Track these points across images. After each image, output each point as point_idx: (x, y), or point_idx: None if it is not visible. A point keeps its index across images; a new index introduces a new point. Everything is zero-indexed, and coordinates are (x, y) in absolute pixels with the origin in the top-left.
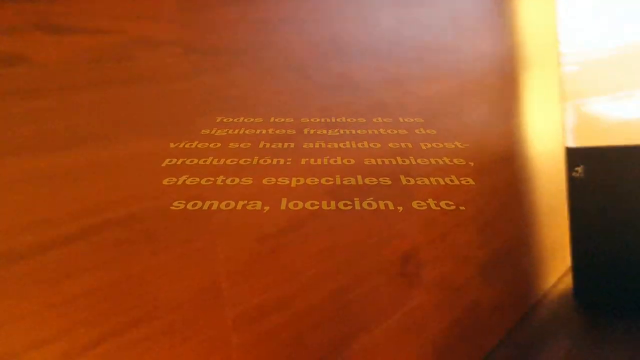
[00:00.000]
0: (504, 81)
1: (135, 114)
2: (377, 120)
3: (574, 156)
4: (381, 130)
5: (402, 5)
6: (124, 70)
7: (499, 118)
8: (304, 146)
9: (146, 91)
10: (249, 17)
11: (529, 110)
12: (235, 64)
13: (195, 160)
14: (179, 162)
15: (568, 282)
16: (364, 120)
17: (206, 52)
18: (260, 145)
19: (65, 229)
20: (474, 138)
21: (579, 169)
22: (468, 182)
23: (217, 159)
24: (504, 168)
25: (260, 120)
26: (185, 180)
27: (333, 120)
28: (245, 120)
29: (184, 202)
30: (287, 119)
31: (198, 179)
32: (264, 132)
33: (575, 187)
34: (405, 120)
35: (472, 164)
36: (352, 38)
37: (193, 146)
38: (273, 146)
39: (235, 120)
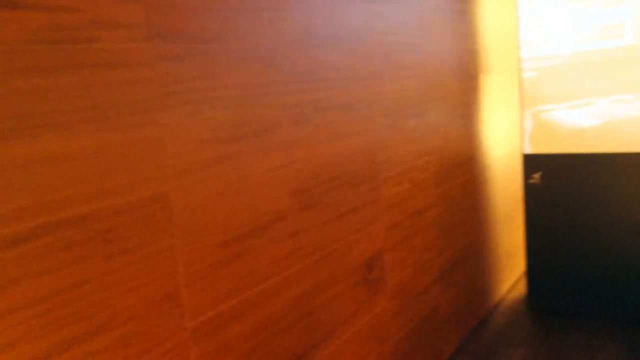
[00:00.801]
0: (465, 84)
1: (93, 102)
2: (343, 118)
3: (531, 163)
4: (347, 129)
5: (372, 1)
6: (81, 53)
7: (459, 121)
8: (269, 143)
9: (105, 78)
10: (217, 3)
11: (489, 115)
12: (201, 53)
13: (156, 156)
14: (138, 157)
15: (522, 287)
16: (331, 118)
17: (171, 38)
18: (224, 142)
19: (13, 228)
20: (436, 141)
21: (536, 175)
22: (430, 185)
23: (178, 156)
24: (464, 172)
25: (225, 114)
26: (145, 177)
27: (300, 117)
28: (210, 114)
29: (143, 201)
30: (253, 114)
31: (159, 176)
32: (228, 127)
33: (531, 193)
34: (371, 119)
35: (434, 166)
36: (322, 31)
37: (154, 140)
38: (238, 143)
39: (199, 113)
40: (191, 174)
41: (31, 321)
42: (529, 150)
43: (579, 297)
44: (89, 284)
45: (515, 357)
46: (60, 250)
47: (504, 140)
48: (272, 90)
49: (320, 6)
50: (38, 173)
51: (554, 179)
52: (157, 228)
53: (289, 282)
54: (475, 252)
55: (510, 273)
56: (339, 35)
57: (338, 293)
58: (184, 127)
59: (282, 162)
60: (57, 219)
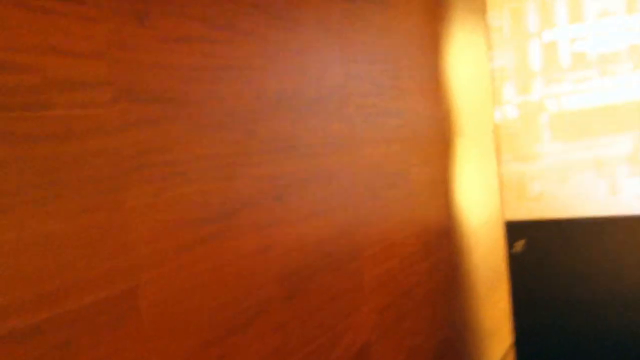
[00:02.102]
0: (441, 148)
1: (45, 181)
2: (324, 191)
3: (514, 230)
4: (328, 203)
5: (351, 60)
6: (36, 121)
7: (439, 188)
8: (248, 223)
9: (59, 151)
10: (190, 61)
11: (467, 180)
12: (173, 118)
13: (121, 245)
14: (100, 248)
15: None
16: (311, 191)
17: (139, 100)
18: (199, 224)
19: None
20: (418, 210)
21: (519, 243)
22: (416, 260)
23: (147, 244)
24: (448, 243)
25: (199, 190)
26: (108, 272)
27: (279, 191)
28: (181, 191)
29: (107, 301)
30: (230, 190)
31: (124, 270)
32: (202, 206)
33: (515, 263)
34: (353, 191)
35: (419, 239)
36: (300, 92)
37: (118, 226)
38: (213, 225)
39: (169, 190)
40: (162, 265)
41: None
42: (511, 217)
43: None
44: None
45: None
46: None
47: (483, 206)
48: (250, 160)
49: (298, 65)
50: None
51: (539, 247)
52: (125, 334)
53: None
54: (462, 331)
55: (496, 349)
56: (317, 97)
57: None
58: (152, 209)
59: (262, 244)
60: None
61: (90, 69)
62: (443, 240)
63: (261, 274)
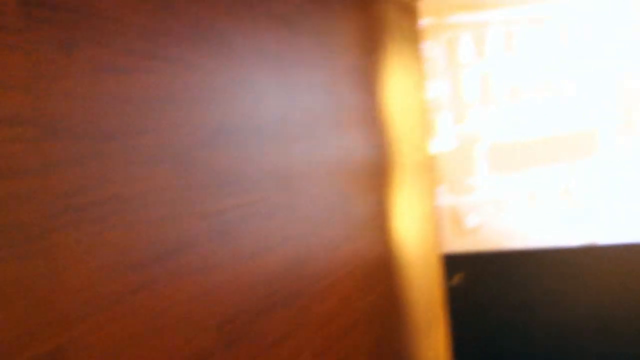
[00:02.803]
0: (378, 181)
1: None
2: (266, 228)
3: (451, 263)
4: (271, 240)
5: (289, 90)
6: None
7: (376, 221)
8: (186, 265)
9: None
10: (121, 93)
11: (404, 212)
12: (102, 153)
13: (48, 297)
14: (23, 299)
15: None
16: (253, 229)
17: (66, 136)
18: (133, 270)
19: None
20: (358, 245)
21: (457, 277)
22: (356, 298)
23: (77, 293)
24: (385, 278)
25: (133, 232)
26: (34, 328)
27: (219, 230)
28: (114, 234)
29: None
30: (166, 230)
31: (52, 325)
32: (137, 250)
33: (453, 295)
34: (296, 227)
35: (358, 276)
36: (239, 124)
37: (45, 275)
38: (149, 269)
39: (100, 234)
40: (93, 318)
41: None
42: (448, 250)
43: None
44: None
45: None
46: None
47: (420, 240)
48: (188, 198)
49: (236, 95)
50: None
51: (477, 280)
52: None
53: None
54: None
55: None
56: (256, 128)
57: None
58: (82, 255)
59: (202, 288)
60: None
61: (11, 102)
62: (382, 275)
63: (200, 321)
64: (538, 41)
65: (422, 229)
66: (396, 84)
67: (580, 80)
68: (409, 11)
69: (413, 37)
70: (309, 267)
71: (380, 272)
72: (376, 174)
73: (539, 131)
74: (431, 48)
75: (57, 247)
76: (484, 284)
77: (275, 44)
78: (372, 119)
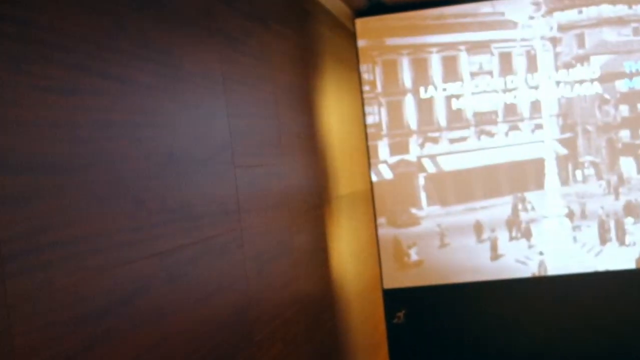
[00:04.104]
0: (320, 213)
1: None
2: (216, 268)
3: (393, 298)
4: (221, 280)
5: (235, 115)
6: None
7: (320, 256)
8: (140, 313)
9: None
10: (65, 120)
11: (345, 245)
12: (50, 189)
13: None
14: None
15: None
16: (204, 269)
17: (4, 172)
18: (87, 321)
19: None
20: (303, 283)
21: (400, 314)
22: (301, 342)
23: (26, 349)
24: (330, 318)
25: (86, 278)
26: None
27: (170, 272)
28: (66, 281)
29: None
30: (121, 274)
31: None
32: (91, 297)
33: (395, 332)
34: (242, 265)
35: (303, 317)
36: (189, 151)
37: None
38: (103, 319)
39: (51, 282)
40: None
41: None
42: (390, 285)
43: None
44: None
45: None
46: None
47: (361, 275)
48: (139, 237)
49: (186, 120)
50: None
51: (420, 315)
52: None
53: None
54: None
55: None
56: (205, 157)
57: None
58: (31, 306)
59: (155, 337)
60: None
61: None
62: (327, 314)
63: None
64: (482, 67)
65: (362, 264)
66: (334, 109)
67: (527, 107)
68: (346, 32)
69: (350, 59)
70: (256, 310)
71: (325, 311)
72: (317, 206)
73: (483, 160)
74: (369, 71)
75: (4, 299)
76: (427, 319)
77: (220, 64)
78: (312, 146)
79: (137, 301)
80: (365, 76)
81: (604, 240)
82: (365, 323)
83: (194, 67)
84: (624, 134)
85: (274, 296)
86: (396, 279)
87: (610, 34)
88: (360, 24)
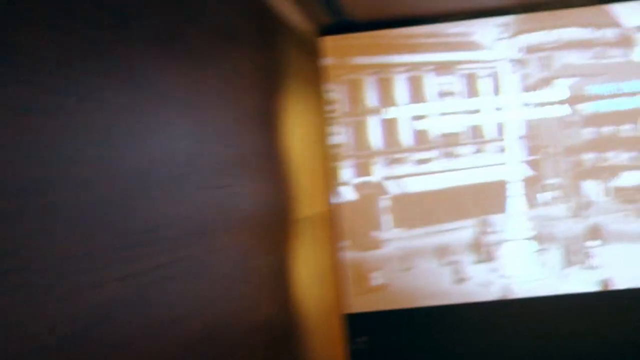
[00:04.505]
0: (282, 236)
1: None
2: (181, 294)
3: (355, 323)
4: (187, 307)
5: (199, 133)
6: None
7: (281, 280)
8: (101, 345)
9: None
10: (26, 141)
11: (306, 270)
12: (2, 212)
13: None
14: None
15: None
16: (169, 295)
17: None
18: (41, 356)
19: None
20: (264, 310)
21: (361, 340)
22: None
23: None
24: (289, 345)
25: (46, 309)
26: None
27: (134, 297)
28: (27, 313)
29: None
30: (81, 304)
31: None
32: (51, 329)
33: (358, 358)
34: (210, 292)
35: (263, 342)
36: (155, 172)
37: None
38: (62, 357)
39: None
40: None
41: None
42: (352, 310)
43: None
44: None
45: None
46: None
47: (323, 299)
48: (106, 262)
49: (150, 139)
50: None
51: (382, 340)
52: None
53: None
54: None
55: None
56: (172, 177)
57: None
58: None
59: None
60: None
61: None
62: (286, 340)
63: None
64: (448, 87)
65: (324, 288)
66: (298, 129)
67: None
68: (311, 50)
69: (315, 78)
70: (223, 335)
71: (286, 336)
72: (278, 228)
73: (449, 182)
74: (334, 91)
75: None
76: (390, 344)
77: (184, 83)
78: (274, 167)
79: (100, 329)
80: (330, 95)
81: (568, 263)
82: (327, 348)
83: (159, 86)
84: (589, 157)
85: (238, 322)
86: (358, 303)
87: (576, 57)
88: (326, 42)
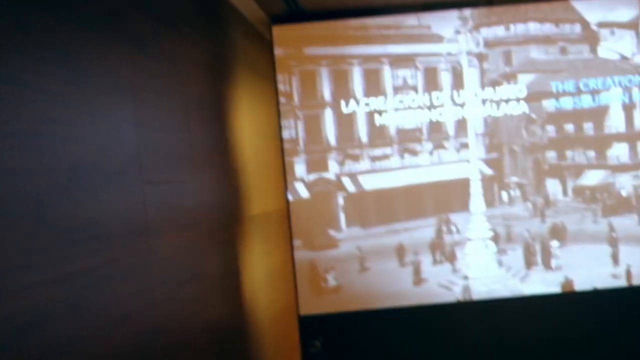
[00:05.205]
0: (232, 235)
1: None
2: (125, 291)
3: (309, 325)
4: (128, 308)
5: (145, 124)
6: None
7: (231, 280)
8: (39, 345)
9: None
10: None
11: (258, 269)
12: None
13: None
14: None
15: None
16: (111, 294)
17: None
18: None
19: None
20: (213, 310)
21: (317, 343)
22: None
23: None
24: (240, 348)
25: None
26: None
27: (73, 298)
28: None
29: None
30: (12, 304)
31: None
32: None
33: None
34: (150, 293)
35: (215, 346)
36: (95, 164)
37: None
38: None
39: None
40: None
41: None
42: (306, 311)
43: None
44: None
45: None
46: None
47: (275, 300)
48: (39, 260)
49: (91, 129)
50: None
51: (338, 342)
52: None
53: None
54: None
55: None
56: (112, 170)
57: None
58: None
59: None
60: None
61: None
62: (237, 343)
63: None
64: (406, 81)
65: (277, 289)
66: (248, 122)
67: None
68: (262, 40)
69: (267, 69)
70: (166, 338)
71: (237, 339)
72: (228, 226)
73: (407, 180)
74: (286, 82)
75: None
76: (346, 347)
77: (128, 70)
78: (224, 161)
79: (36, 331)
80: (282, 87)
81: (529, 264)
82: (280, 351)
83: (102, 72)
84: (551, 155)
85: (184, 324)
86: (313, 305)
87: (537, 53)
88: (278, 31)
